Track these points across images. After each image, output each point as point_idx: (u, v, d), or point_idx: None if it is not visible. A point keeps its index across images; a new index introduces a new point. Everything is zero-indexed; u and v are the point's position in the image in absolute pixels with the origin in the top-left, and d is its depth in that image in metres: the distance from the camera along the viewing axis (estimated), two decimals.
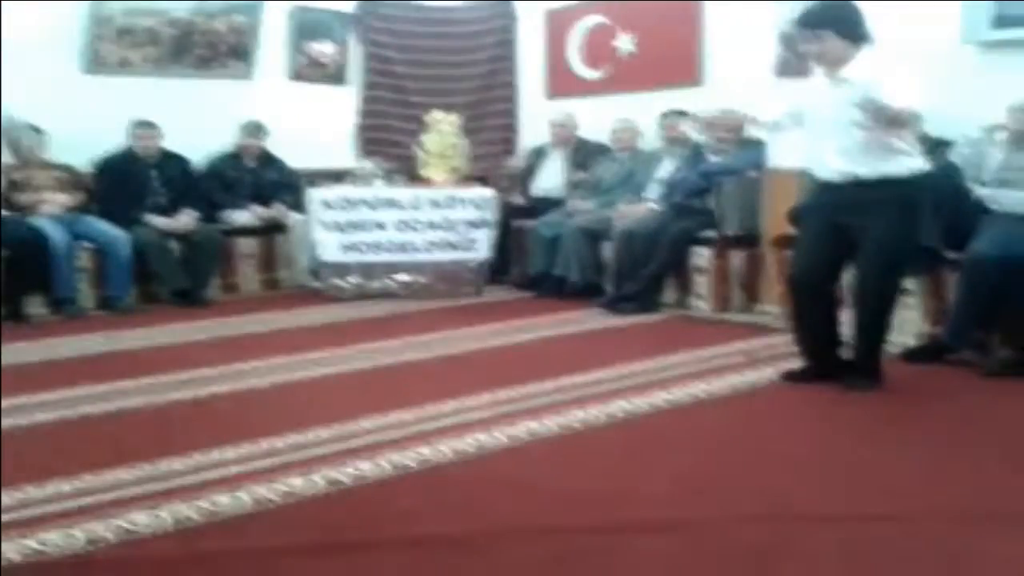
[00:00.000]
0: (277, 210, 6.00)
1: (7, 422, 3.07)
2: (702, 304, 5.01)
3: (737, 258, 4.99)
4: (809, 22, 3.28)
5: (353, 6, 6.95)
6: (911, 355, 3.81)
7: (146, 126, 5.68)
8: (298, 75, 6.81)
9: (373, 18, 7.04)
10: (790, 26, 3.40)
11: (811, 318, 3.45)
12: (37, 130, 5.45)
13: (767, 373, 3.59)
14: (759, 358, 3.81)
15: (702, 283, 5.02)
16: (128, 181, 5.59)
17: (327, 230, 5.58)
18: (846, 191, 3.28)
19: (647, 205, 5.33)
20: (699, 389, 3.40)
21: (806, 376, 3.47)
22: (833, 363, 3.46)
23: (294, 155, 6.39)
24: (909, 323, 3.99)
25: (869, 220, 3.24)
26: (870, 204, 3.22)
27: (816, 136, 3.39)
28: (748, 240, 4.94)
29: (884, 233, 3.23)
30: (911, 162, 3.26)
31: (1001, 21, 4.32)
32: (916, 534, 2.17)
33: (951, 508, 2.32)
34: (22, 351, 4.20)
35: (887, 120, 3.13)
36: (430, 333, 4.49)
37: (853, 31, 3.24)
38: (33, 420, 3.11)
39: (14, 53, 5.53)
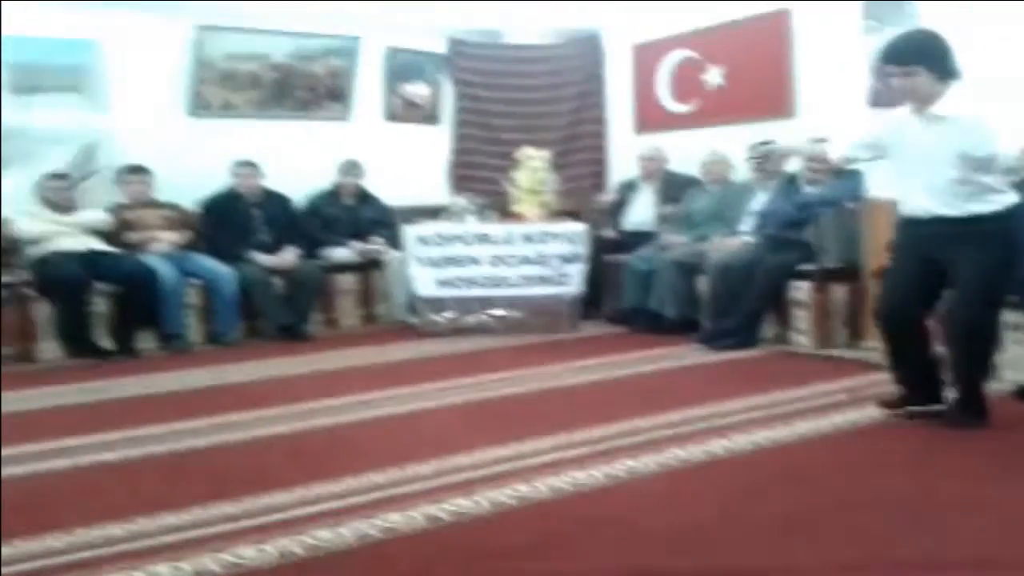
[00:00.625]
0: (374, 246, 6.13)
1: (118, 454, 3.20)
2: (803, 339, 4.88)
3: (838, 291, 4.86)
4: (898, 58, 3.18)
5: (444, 46, 7.10)
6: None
7: (248, 166, 5.90)
8: (393, 116, 6.98)
9: (463, 58, 7.18)
10: (876, 60, 3.31)
11: (905, 352, 3.37)
12: (145, 171, 5.71)
13: (871, 411, 3.47)
14: (863, 396, 3.69)
15: (802, 318, 4.90)
16: (233, 219, 5.80)
17: (422, 266, 5.67)
18: (935, 226, 3.21)
19: (741, 238, 5.25)
20: (800, 427, 3.32)
21: (901, 404, 3.39)
22: (930, 393, 3.35)
23: (390, 193, 6.54)
24: (1022, 360, 3.82)
25: (960, 254, 3.15)
26: (961, 238, 3.15)
27: (903, 171, 3.31)
28: (849, 273, 4.82)
29: (977, 267, 3.13)
30: (1002, 198, 3.17)
31: None
32: None
33: None
34: (132, 385, 4.37)
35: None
36: (525, 368, 4.50)
37: (944, 67, 3.14)
38: (143, 452, 3.23)
39: (124, 98, 5.85)
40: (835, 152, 3.73)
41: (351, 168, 6.28)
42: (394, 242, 6.11)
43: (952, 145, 3.11)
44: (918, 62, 3.13)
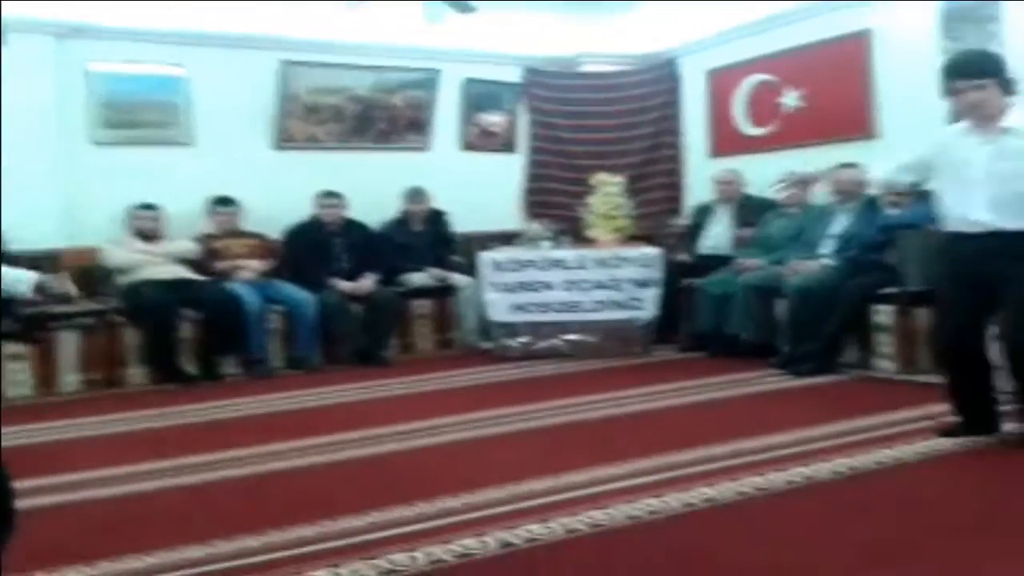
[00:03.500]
0: (442, 271, 6.19)
1: (199, 478, 3.29)
2: (886, 364, 4.75)
3: (921, 315, 4.71)
4: (968, 72, 3.18)
5: (519, 75, 7.18)
6: None
7: (331, 196, 6.04)
8: (469, 145, 7.07)
9: (538, 87, 7.25)
10: (940, 76, 3.27)
11: (964, 382, 3.32)
12: (232, 202, 5.90)
13: (956, 438, 3.35)
14: (948, 423, 3.56)
15: (885, 342, 4.77)
16: (314, 248, 5.94)
17: (497, 291, 5.71)
18: (989, 241, 3.15)
19: (821, 261, 5.15)
20: (884, 455, 3.22)
21: (961, 432, 3.33)
22: (990, 422, 3.28)
23: (466, 220, 6.63)
24: None
25: (1010, 272, 3.10)
26: (1012, 255, 3.10)
27: (958, 189, 3.25)
28: (933, 296, 4.66)
29: None
30: None
31: None
32: None
33: None
34: (215, 409, 4.50)
35: None
36: (599, 393, 4.48)
37: (1008, 82, 3.17)
38: (224, 475, 3.32)
39: (212, 132, 6.07)
40: (875, 175, 3.68)
41: (414, 194, 6.36)
42: (464, 267, 6.18)
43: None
44: (990, 75, 3.15)
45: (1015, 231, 3.12)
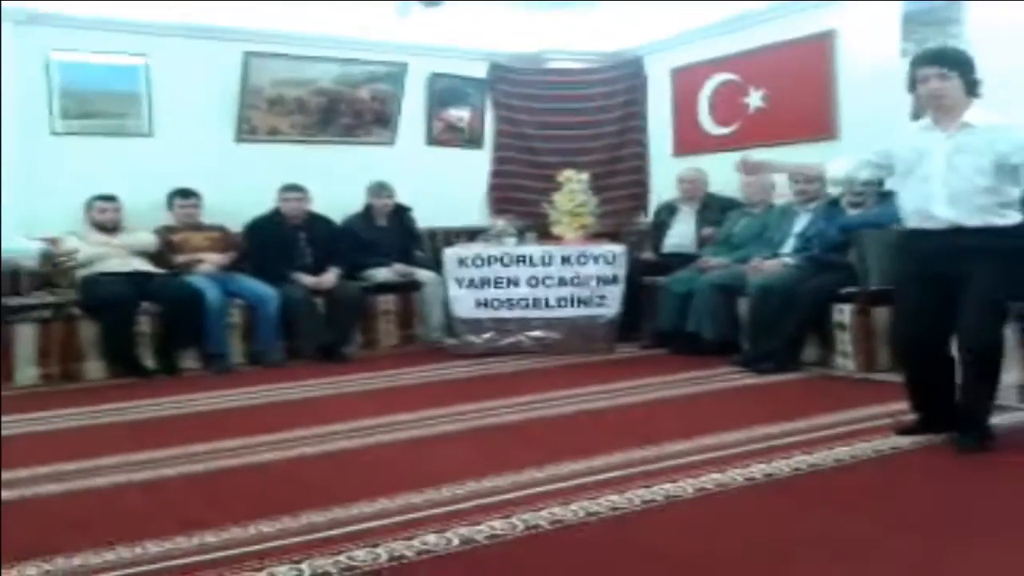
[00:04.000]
0: (405, 267, 6.15)
1: (160, 472, 3.25)
2: (845, 363, 4.81)
3: (881, 315, 4.78)
4: (937, 60, 3.25)
5: (486, 71, 7.16)
6: None
7: (294, 189, 5.99)
8: (436, 140, 7.04)
9: (504, 83, 7.25)
10: (909, 66, 3.33)
11: (926, 380, 3.36)
12: (193, 194, 5.82)
13: (914, 436, 3.40)
14: (907, 421, 3.62)
15: (845, 340, 4.83)
16: (277, 241, 5.88)
17: (461, 287, 5.69)
18: (950, 237, 3.20)
19: (783, 260, 5.21)
20: (842, 452, 3.26)
21: (918, 430, 3.38)
22: (949, 419, 3.32)
23: (431, 215, 6.62)
24: None
25: (973, 267, 3.14)
26: (975, 251, 3.14)
27: (919, 184, 3.28)
28: (893, 294, 4.73)
29: (985, 283, 3.12)
30: (1015, 215, 3.18)
31: None
32: None
33: None
34: (173, 404, 4.44)
35: None
36: (562, 390, 4.49)
37: (973, 81, 3.21)
38: (183, 471, 3.27)
39: (173, 123, 5.99)
40: (835, 170, 3.72)
41: (380, 189, 6.33)
42: (428, 263, 6.16)
43: (985, 152, 3.13)
44: (957, 67, 3.20)
45: (973, 228, 3.16)
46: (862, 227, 4.92)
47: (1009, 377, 3.75)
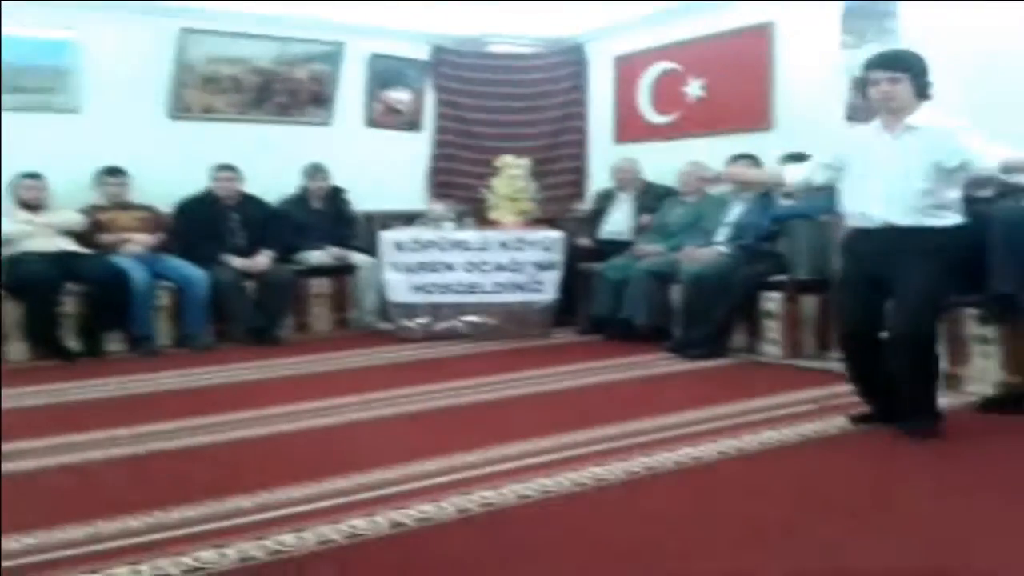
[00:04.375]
0: (341, 250, 6.10)
1: (84, 456, 3.17)
2: (772, 349, 4.92)
3: (808, 303, 4.90)
4: (887, 63, 3.28)
5: (427, 53, 7.11)
6: (988, 405, 3.69)
7: (228, 169, 5.88)
8: (374, 122, 6.98)
9: (446, 65, 7.19)
10: (861, 68, 3.38)
11: (867, 367, 3.41)
12: (122, 172, 5.68)
13: (837, 421, 3.50)
14: (829, 406, 3.71)
15: (772, 328, 4.93)
16: (208, 222, 5.77)
17: (397, 271, 5.66)
18: (882, 239, 3.26)
19: (716, 248, 5.29)
20: (767, 437, 3.34)
21: (871, 420, 3.43)
22: (894, 408, 3.38)
23: (369, 198, 6.55)
24: (987, 372, 3.87)
25: (905, 265, 3.20)
26: (908, 250, 3.20)
27: (863, 183, 3.34)
28: (820, 285, 4.86)
29: (916, 280, 3.18)
30: (954, 217, 3.24)
31: None
32: None
33: (1020, 565, 2.23)
34: (99, 387, 4.34)
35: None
36: (496, 375, 4.50)
37: (924, 83, 3.25)
38: (107, 455, 3.20)
39: (103, 99, 5.82)
40: (792, 176, 3.76)
41: (315, 171, 6.24)
42: (364, 247, 6.11)
43: (924, 155, 3.17)
44: (905, 70, 3.23)
45: (906, 227, 3.21)
46: (792, 218, 5.02)
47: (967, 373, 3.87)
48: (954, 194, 3.24)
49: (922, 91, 3.25)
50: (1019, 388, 3.68)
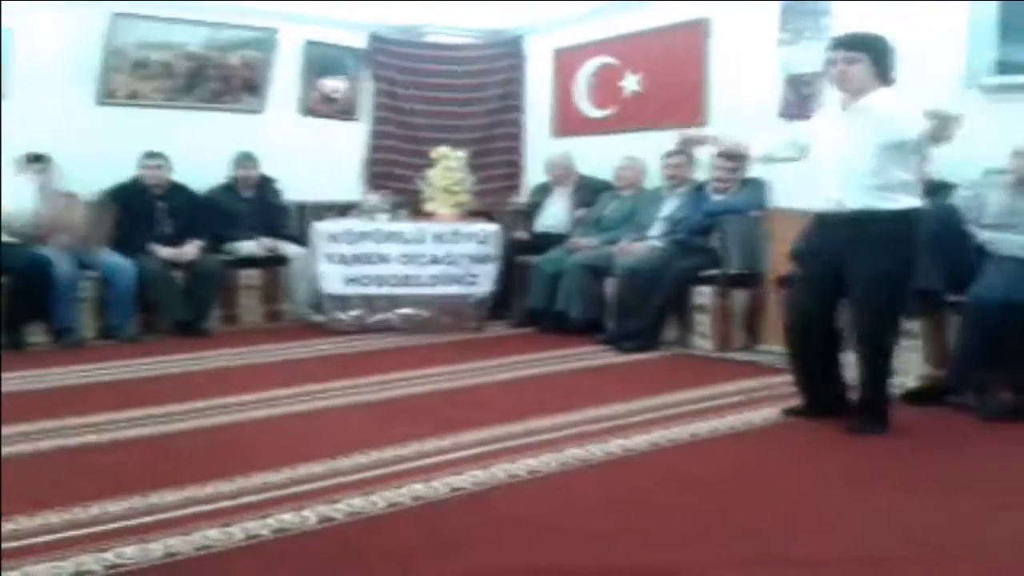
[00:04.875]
0: (272, 241, 6.00)
1: (6, 450, 3.07)
2: (703, 343, 4.99)
3: (739, 297, 4.99)
4: (847, 44, 3.30)
5: (364, 41, 7.03)
6: (912, 397, 3.79)
7: (155, 157, 5.73)
8: (309, 110, 6.87)
9: (383, 54, 7.12)
10: (827, 50, 3.39)
11: (810, 360, 3.45)
12: (46, 159, 5.49)
13: (766, 413, 3.57)
14: (759, 398, 3.78)
15: (704, 321, 5.01)
16: (135, 211, 5.63)
17: (331, 263, 5.59)
18: (840, 229, 3.28)
19: (650, 242, 5.34)
20: (698, 428, 3.39)
21: (805, 413, 3.48)
22: (832, 402, 3.44)
23: (303, 188, 6.46)
24: (910, 365, 3.98)
25: (860, 260, 3.23)
26: (862, 243, 3.22)
27: (820, 166, 3.38)
28: (750, 279, 4.94)
29: (876, 272, 3.22)
30: (908, 199, 3.26)
31: (1004, 67, 4.35)
32: None
33: (941, 552, 2.29)
34: (21, 380, 4.19)
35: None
36: (430, 367, 4.48)
37: (884, 66, 3.27)
38: (28, 449, 3.11)
39: (29, 84, 5.62)
40: (757, 148, 3.78)
41: (245, 160, 6.12)
42: (297, 237, 6.02)
43: (872, 135, 3.19)
44: (866, 50, 3.24)
45: (858, 211, 3.22)
46: (725, 213, 5.10)
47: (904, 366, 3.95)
48: (907, 175, 3.23)
49: (883, 74, 3.26)
50: (941, 381, 3.78)
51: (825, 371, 3.44)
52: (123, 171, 5.72)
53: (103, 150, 5.77)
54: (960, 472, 2.97)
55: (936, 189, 3.99)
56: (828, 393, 3.46)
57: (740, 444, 3.27)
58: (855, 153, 3.22)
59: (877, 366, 3.33)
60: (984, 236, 3.82)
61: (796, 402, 3.56)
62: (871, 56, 3.24)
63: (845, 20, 5.04)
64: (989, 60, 4.38)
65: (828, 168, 3.31)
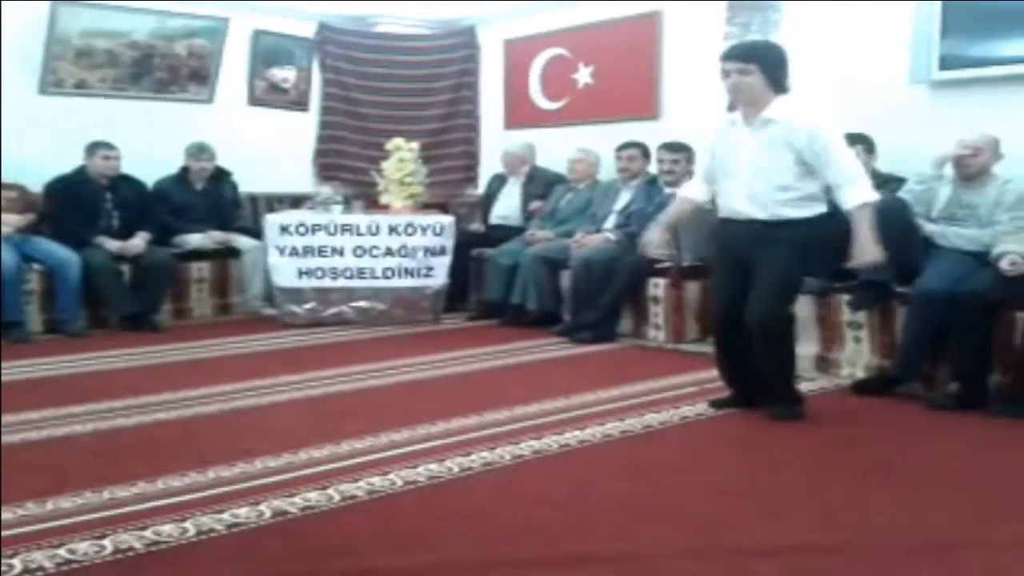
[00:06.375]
0: (223, 234, 5.91)
1: None
2: (657, 334, 5.04)
3: (692, 289, 5.04)
4: (738, 54, 3.32)
5: (313, 31, 6.96)
6: (860, 387, 3.87)
7: (101, 147, 5.59)
8: (258, 100, 6.79)
9: (333, 44, 7.06)
10: (720, 60, 3.38)
11: (736, 352, 3.49)
12: None
13: (726, 409, 3.61)
14: (710, 388, 3.83)
15: (658, 313, 5.06)
16: (81, 202, 5.50)
17: (283, 255, 5.53)
18: (746, 226, 3.35)
19: (604, 235, 5.37)
20: (652, 419, 3.43)
21: (730, 404, 3.55)
22: (757, 393, 3.50)
23: (253, 180, 6.37)
24: (859, 355, 4.06)
25: (762, 258, 3.29)
26: (766, 239, 3.28)
27: (725, 179, 3.41)
28: (703, 271, 4.99)
29: (774, 267, 3.28)
30: (815, 207, 3.31)
31: (947, 62, 4.45)
32: (851, 566, 2.20)
33: (886, 540, 2.34)
34: None
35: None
36: (385, 360, 4.46)
37: (777, 75, 3.28)
38: None
39: None
40: (695, 197, 3.71)
41: (197, 151, 6.00)
42: (250, 230, 5.95)
43: (783, 151, 3.24)
44: (756, 61, 3.25)
45: (765, 219, 3.29)
46: None
47: (805, 349, 4.05)
48: (814, 188, 3.29)
49: (776, 84, 3.27)
50: (889, 371, 3.86)
51: (746, 362, 3.47)
52: (68, 162, 5.59)
53: (47, 140, 5.65)
54: (908, 461, 3.03)
55: (884, 183, 4.07)
56: (751, 384, 3.51)
57: (692, 434, 3.31)
58: (765, 170, 3.27)
59: (774, 351, 3.37)
60: (930, 229, 3.92)
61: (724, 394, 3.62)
62: (762, 66, 3.25)
63: (792, 14, 5.15)
64: (933, 56, 4.48)
65: (738, 184, 3.35)
